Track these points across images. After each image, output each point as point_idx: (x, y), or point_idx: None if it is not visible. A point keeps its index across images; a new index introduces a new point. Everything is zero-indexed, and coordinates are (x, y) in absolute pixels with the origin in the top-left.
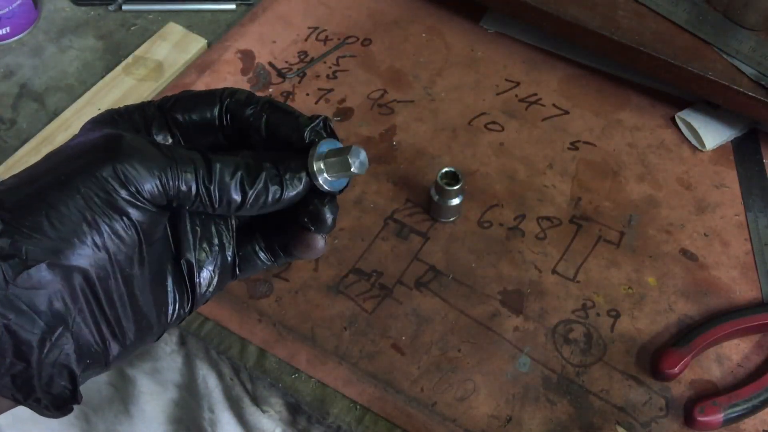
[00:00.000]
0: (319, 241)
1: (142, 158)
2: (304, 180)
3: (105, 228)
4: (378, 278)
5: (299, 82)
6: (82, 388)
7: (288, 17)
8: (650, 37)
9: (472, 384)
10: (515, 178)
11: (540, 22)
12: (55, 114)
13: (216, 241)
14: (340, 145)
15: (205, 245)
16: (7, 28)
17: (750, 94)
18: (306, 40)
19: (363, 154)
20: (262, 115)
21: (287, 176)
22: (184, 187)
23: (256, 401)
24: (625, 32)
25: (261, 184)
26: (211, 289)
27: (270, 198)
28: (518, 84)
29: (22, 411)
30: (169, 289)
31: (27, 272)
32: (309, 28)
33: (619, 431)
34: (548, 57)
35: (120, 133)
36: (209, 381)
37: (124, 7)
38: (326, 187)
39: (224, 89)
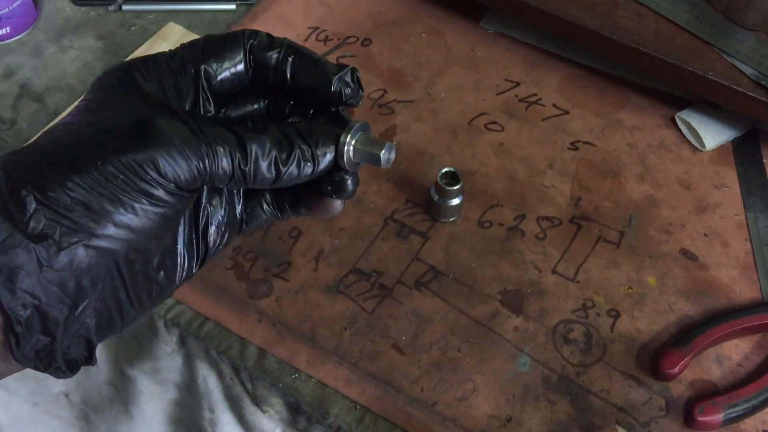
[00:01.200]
0: (338, 205)
1: (177, 146)
2: (331, 157)
3: (139, 211)
4: (378, 278)
5: None
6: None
7: (288, 17)
8: (650, 37)
9: (472, 384)
10: (515, 178)
11: (540, 22)
12: (55, 114)
13: (226, 197)
14: (370, 132)
15: (215, 201)
16: (7, 28)
17: (750, 94)
18: (306, 40)
19: (394, 153)
20: (287, 59)
21: (318, 152)
22: (219, 171)
23: (256, 401)
24: (625, 32)
25: (294, 163)
26: (221, 246)
27: (302, 175)
28: (518, 84)
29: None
30: (179, 253)
31: (62, 253)
32: (309, 28)
33: (619, 431)
34: (548, 57)
35: (152, 117)
36: (209, 381)
37: (124, 7)
38: (348, 169)
39: (244, 31)
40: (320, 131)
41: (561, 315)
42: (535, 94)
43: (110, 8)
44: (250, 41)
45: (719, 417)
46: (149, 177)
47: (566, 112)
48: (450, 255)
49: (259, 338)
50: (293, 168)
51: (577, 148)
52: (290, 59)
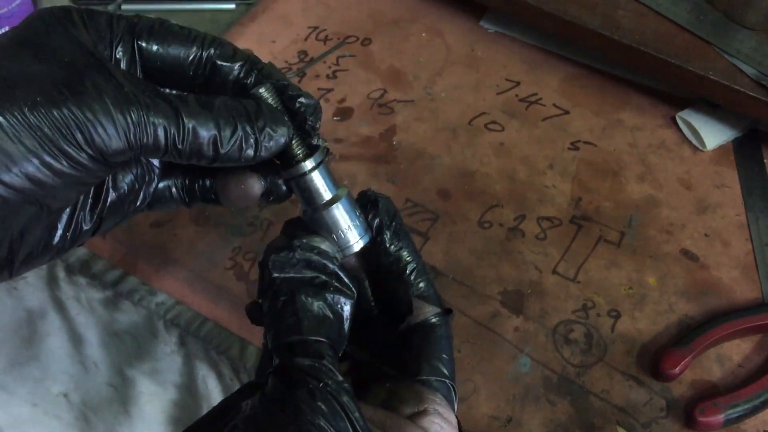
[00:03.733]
0: (254, 193)
1: (110, 111)
2: (279, 143)
3: (55, 169)
4: None
5: (299, 82)
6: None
7: (288, 17)
8: (651, 37)
9: (472, 384)
10: (515, 178)
11: (540, 22)
12: None
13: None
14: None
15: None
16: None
17: (751, 93)
18: (306, 39)
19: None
20: (250, 76)
21: (262, 137)
22: (151, 145)
23: None
24: (625, 32)
25: (235, 145)
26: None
27: (242, 158)
28: (518, 84)
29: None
30: (58, 225)
31: None
32: (309, 27)
33: None
34: (548, 57)
35: (87, 73)
36: (209, 381)
37: (123, 7)
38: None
39: (206, 35)
40: (269, 115)
41: (561, 315)
42: (536, 94)
43: (110, 8)
44: (211, 49)
45: (720, 417)
46: (75, 139)
47: (566, 112)
48: (450, 255)
49: (259, 338)
50: (233, 150)
51: (577, 148)
52: (253, 75)
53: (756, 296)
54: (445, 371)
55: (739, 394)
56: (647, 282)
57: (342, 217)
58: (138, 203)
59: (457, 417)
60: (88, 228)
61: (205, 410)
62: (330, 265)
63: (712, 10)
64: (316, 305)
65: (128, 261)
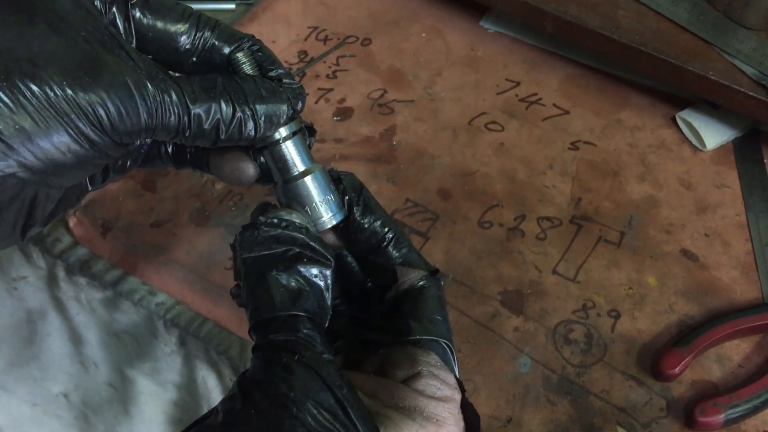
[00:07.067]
0: (249, 175)
1: (130, 95)
2: (281, 121)
3: (67, 149)
4: None
5: (299, 82)
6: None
7: (288, 17)
8: (651, 37)
9: (472, 384)
10: (515, 178)
11: (540, 22)
12: None
13: None
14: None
15: None
16: None
17: (751, 94)
18: (306, 39)
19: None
20: (248, 54)
21: (260, 117)
22: (164, 128)
23: None
24: (625, 32)
25: (235, 128)
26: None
27: (243, 138)
28: (518, 84)
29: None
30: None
31: None
32: (309, 27)
33: None
34: (548, 57)
35: (104, 53)
36: (209, 381)
37: None
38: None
39: (201, 14)
40: (268, 95)
41: (561, 315)
42: (536, 94)
43: None
44: (206, 29)
45: (720, 417)
46: (99, 123)
47: (566, 112)
48: (450, 255)
49: None
50: (233, 133)
51: (577, 148)
52: (250, 55)
53: (756, 296)
54: (438, 330)
55: (739, 394)
56: (647, 282)
57: (316, 189)
58: (130, 163)
59: (457, 378)
60: (92, 188)
61: (205, 410)
62: (299, 236)
63: (712, 10)
64: (290, 280)
65: (128, 261)
